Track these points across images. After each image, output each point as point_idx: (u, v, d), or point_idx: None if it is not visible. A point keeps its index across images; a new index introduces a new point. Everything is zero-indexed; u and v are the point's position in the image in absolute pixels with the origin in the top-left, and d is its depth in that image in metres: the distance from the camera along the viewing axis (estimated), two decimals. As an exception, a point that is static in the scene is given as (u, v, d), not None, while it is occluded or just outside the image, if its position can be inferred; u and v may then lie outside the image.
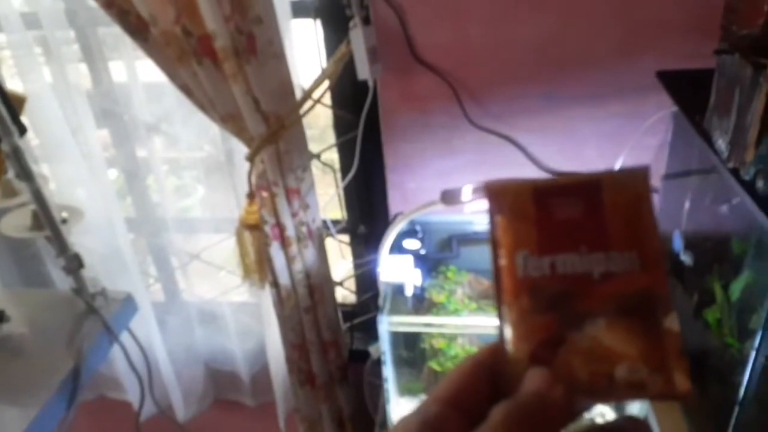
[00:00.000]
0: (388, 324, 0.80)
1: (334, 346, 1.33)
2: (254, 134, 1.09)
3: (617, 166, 1.09)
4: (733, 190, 0.74)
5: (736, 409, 0.78)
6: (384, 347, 0.81)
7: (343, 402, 1.39)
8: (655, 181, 1.18)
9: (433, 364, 0.91)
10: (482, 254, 1.02)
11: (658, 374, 0.30)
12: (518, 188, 0.35)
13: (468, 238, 1.00)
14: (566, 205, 0.34)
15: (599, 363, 0.30)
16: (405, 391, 0.94)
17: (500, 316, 0.33)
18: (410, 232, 0.96)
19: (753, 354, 0.73)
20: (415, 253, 0.91)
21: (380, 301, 0.83)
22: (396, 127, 1.25)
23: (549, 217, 0.34)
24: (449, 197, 0.75)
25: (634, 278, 0.32)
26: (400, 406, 0.93)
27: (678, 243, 0.99)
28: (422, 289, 0.95)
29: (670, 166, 1.07)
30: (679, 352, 0.30)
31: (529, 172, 1.24)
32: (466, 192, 0.74)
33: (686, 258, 0.95)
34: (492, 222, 0.36)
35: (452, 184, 1.21)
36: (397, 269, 0.85)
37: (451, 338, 0.92)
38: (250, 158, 1.12)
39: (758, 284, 0.72)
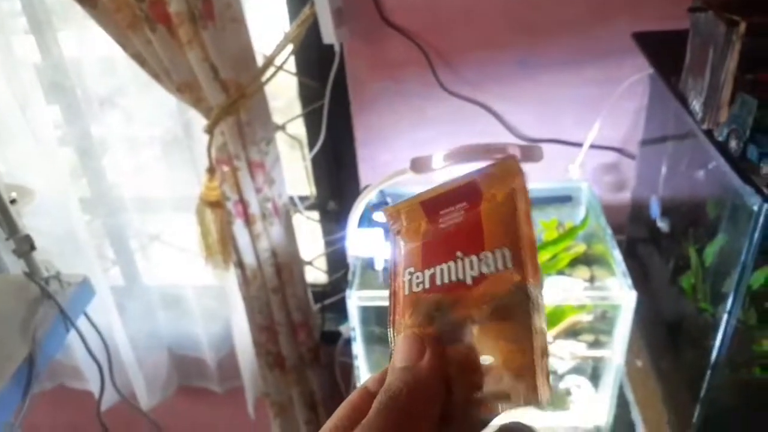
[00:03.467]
0: (357, 299, 0.81)
1: (305, 327, 1.34)
2: (213, 104, 1.08)
3: (594, 131, 1.11)
4: (708, 153, 0.77)
5: (708, 372, 0.81)
6: (353, 323, 0.82)
7: (315, 385, 1.41)
8: (633, 146, 1.20)
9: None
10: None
11: (521, 381, 0.30)
12: (409, 206, 0.36)
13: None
14: (451, 212, 0.35)
15: (471, 375, 0.31)
16: (377, 368, 0.96)
17: (392, 340, 0.34)
18: (381, 205, 0.97)
19: (725, 317, 0.76)
20: (386, 226, 0.92)
21: (349, 276, 0.84)
22: (366, 95, 1.25)
23: (435, 230, 0.35)
24: (419, 165, 0.76)
25: (505, 277, 0.32)
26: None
27: (655, 209, 1.01)
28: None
29: (647, 131, 1.09)
30: (544, 353, 0.30)
31: (505, 140, 1.26)
32: (437, 159, 0.75)
33: (663, 224, 0.97)
34: (392, 246, 0.36)
35: (425, 152, 1.22)
36: (366, 243, 0.86)
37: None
38: (209, 130, 1.11)
39: (731, 248, 0.75)
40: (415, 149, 1.29)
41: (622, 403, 0.99)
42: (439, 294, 0.33)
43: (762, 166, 0.67)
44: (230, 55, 1.04)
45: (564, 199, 1.00)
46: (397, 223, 0.36)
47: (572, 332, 0.93)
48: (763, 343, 0.82)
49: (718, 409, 0.88)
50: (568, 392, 0.93)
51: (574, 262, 0.95)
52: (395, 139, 1.29)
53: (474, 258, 0.33)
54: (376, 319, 0.92)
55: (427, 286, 0.33)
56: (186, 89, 1.08)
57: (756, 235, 0.69)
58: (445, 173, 0.77)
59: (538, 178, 1.08)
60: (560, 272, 0.94)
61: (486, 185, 0.34)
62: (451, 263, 0.33)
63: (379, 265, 0.88)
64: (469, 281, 0.32)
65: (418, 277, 0.34)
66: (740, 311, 0.77)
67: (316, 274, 1.47)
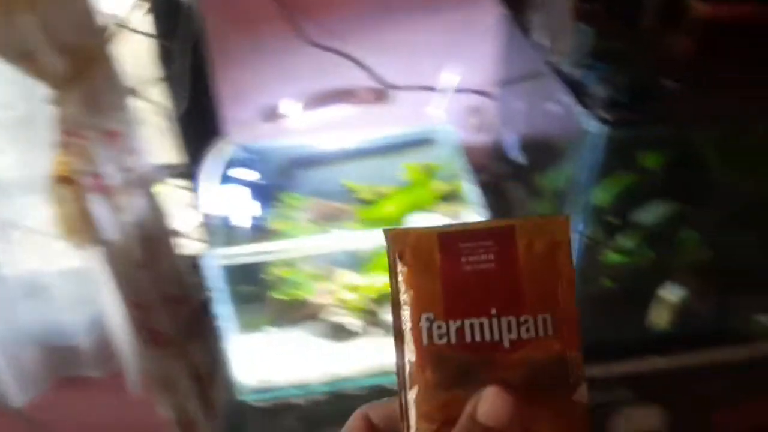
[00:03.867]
0: (219, 258, 0.80)
1: (181, 300, 1.30)
2: (56, 73, 1.01)
3: (455, 75, 1.12)
4: (554, 84, 0.81)
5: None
6: (216, 283, 0.80)
7: (198, 358, 1.38)
8: (492, 87, 1.24)
9: (277, 294, 0.92)
10: (325, 176, 1.03)
11: None
12: (422, 234, 0.32)
13: (308, 162, 1.01)
14: (476, 254, 0.32)
15: None
16: (249, 327, 0.96)
17: (402, 388, 0.31)
18: (245, 162, 0.95)
19: (575, 236, 0.81)
20: (250, 183, 0.91)
21: (208, 236, 0.82)
22: (227, 53, 1.21)
23: (457, 270, 0.32)
24: (269, 114, 0.74)
25: (546, 344, 0.30)
26: (245, 343, 0.94)
27: (514, 146, 1.06)
28: (262, 219, 0.95)
29: (504, 71, 1.14)
30: (586, 426, 0.29)
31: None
32: (286, 107, 0.74)
33: (521, 158, 1.02)
34: (393, 273, 0.32)
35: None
36: (226, 200, 0.84)
37: (293, 265, 0.94)
38: (55, 101, 1.04)
39: (575, 170, 0.80)
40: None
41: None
42: (470, 353, 0.31)
43: (598, 91, 0.71)
44: (72, 17, 0.97)
45: (426, 142, 1.02)
46: (399, 245, 0.33)
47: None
48: (609, 255, 0.88)
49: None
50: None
51: (440, 201, 0.98)
52: (263, 97, 1.26)
53: (513, 320, 0.31)
54: (246, 278, 0.90)
55: (453, 341, 0.31)
56: (24, 59, 1.00)
57: (594, 155, 0.73)
58: (301, 119, 0.76)
59: (404, 124, 1.10)
60: (427, 210, 0.96)
61: (523, 229, 0.32)
62: (485, 320, 0.31)
63: (243, 223, 0.86)
64: (506, 344, 0.30)
65: (440, 328, 0.31)
66: (587, 227, 0.83)
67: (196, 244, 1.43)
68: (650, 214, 0.88)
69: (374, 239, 0.84)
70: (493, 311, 0.31)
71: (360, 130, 1.05)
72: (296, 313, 0.97)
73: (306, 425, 0.92)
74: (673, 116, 0.72)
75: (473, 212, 0.84)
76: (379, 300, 0.95)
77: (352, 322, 0.96)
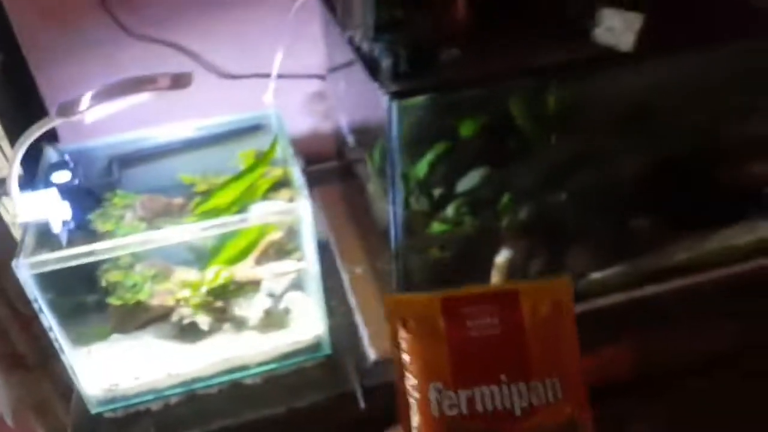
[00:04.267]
0: (32, 267, 0.76)
1: (34, 318, 1.24)
2: None
3: (279, 60, 1.12)
4: (353, 61, 0.82)
5: (395, 261, 0.90)
6: (33, 294, 0.77)
7: (66, 375, 1.33)
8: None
9: (113, 300, 0.90)
10: (152, 172, 1.01)
11: None
12: (425, 301, 0.33)
13: (131, 158, 0.98)
14: (481, 319, 0.32)
15: None
16: (93, 337, 0.93)
17: None
18: (60, 164, 0.91)
19: (391, 209, 0.83)
20: (64, 186, 0.87)
21: (19, 246, 0.78)
22: (44, 50, 1.15)
23: (462, 336, 0.32)
24: (65, 109, 0.72)
25: (557, 409, 0.31)
26: (90, 354, 0.91)
27: (346, 128, 1.08)
28: (87, 222, 0.91)
29: (327, 54, 1.15)
30: None
31: (207, 80, 1.24)
32: (85, 100, 0.72)
33: (350, 140, 1.04)
34: (396, 342, 0.32)
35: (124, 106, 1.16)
36: (38, 206, 0.80)
37: (127, 268, 0.91)
38: None
39: (385, 146, 0.82)
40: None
41: (346, 311, 1.07)
42: (482, 423, 0.30)
43: (384, 63, 0.74)
44: None
45: (259, 129, 1.02)
46: (401, 313, 0.31)
47: (285, 252, 0.98)
48: (434, 225, 0.92)
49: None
50: (287, 311, 0.98)
51: (276, 186, 0.98)
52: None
53: (522, 386, 0.31)
54: (83, 286, 0.88)
55: (464, 411, 0.31)
56: None
57: (393, 128, 0.76)
58: (98, 112, 0.73)
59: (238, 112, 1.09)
60: (263, 197, 0.96)
61: (526, 294, 0.31)
62: (495, 388, 0.31)
63: (56, 228, 0.83)
64: (518, 412, 0.30)
65: (450, 398, 0.31)
66: (412, 200, 0.86)
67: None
68: (469, 181, 0.92)
69: (210, 231, 0.83)
70: (503, 378, 0.31)
71: (192, 121, 1.03)
72: (139, 317, 0.95)
73: (161, 430, 0.91)
74: (454, 83, 0.75)
75: (304, 198, 0.85)
76: (224, 294, 0.95)
77: (198, 320, 0.95)
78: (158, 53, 1.18)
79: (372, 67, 0.75)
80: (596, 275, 1.05)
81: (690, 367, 1.12)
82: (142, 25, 1.15)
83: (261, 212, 0.90)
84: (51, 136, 1.25)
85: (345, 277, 1.13)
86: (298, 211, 0.82)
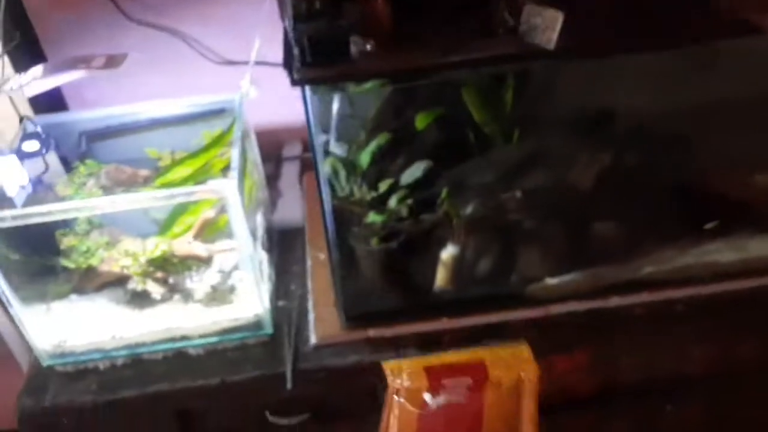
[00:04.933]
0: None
1: None
2: None
3: (256, 48, 1.15)
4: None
5: (336, 251, 0.90)
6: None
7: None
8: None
9: (66, 262, 0.96)
10: (123, 146, 1.07)
11: None
12: (413, 366, 0.34)
13: (101, 134, 1.05)
14: (455, 387, 0.33)
15: None
16: (49, 295, 1.00)
17: None
18: (33, 135, 0.98)
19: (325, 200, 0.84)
20: (31, 154, 0.95)
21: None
22: (54, 33, 1.24)
23: (436, 402, 0.33)
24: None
25: None
26: (45, 311, 0.99)
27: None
28: (50, 186, 0.99)
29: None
30: None
31: (204, 66, 1.30)
32: (27, 77, 0.78)
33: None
34: (386, 404, 0.34)
35: (127, 87, 1.24)
36: (15, 174, 0.88)
37: (84, 234, 0.98)
38: None
39: (309, 132, 0.83)
40: (118, 81, 1.30)
41: (303, 294, 1.09)
42: None
43: (294, 52, 0.75)
44: None
45: (222, 112, 1.06)
46: (398, 381, 0.34)
47: (225, 231, 1.01)
48: (371, 216, 0.93)
49: (356, 281, 0.99)
50: (232, 288, 1.01)
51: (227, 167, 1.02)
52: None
53: None
54: (31, 246, 0.94)
55: None
56: None
57: (309, 114, 0.77)
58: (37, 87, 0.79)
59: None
60: (217, 177, 1.00)
61: (493, 366, 0.32)
62: None
63: (11, 192, 0.90)
64: None
65: None
66: (355, 188, 0.87)
67: None
68: (412, 173, 0.92)
69: (164, 202, 0.87)
70: None
71: (164, 101, 1.09)
72: (96, 280, 1.01)
73: (105, 388, 0.97)
74: (365, 74, 0.76)
75: (233, 179, 0.88)
76: (165, 266, 0.99)
77: (151, 288, 1.00)
78: (157, 38, 1.25)
79: (288, 56, 0.77)
80: (552, 281, 1.01)
81: (652, 387, 1.06)
82: (142, 11, 1.22)
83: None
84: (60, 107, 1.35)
85: (309, 263, 1.15)
86: (224, 190, 0.85)
